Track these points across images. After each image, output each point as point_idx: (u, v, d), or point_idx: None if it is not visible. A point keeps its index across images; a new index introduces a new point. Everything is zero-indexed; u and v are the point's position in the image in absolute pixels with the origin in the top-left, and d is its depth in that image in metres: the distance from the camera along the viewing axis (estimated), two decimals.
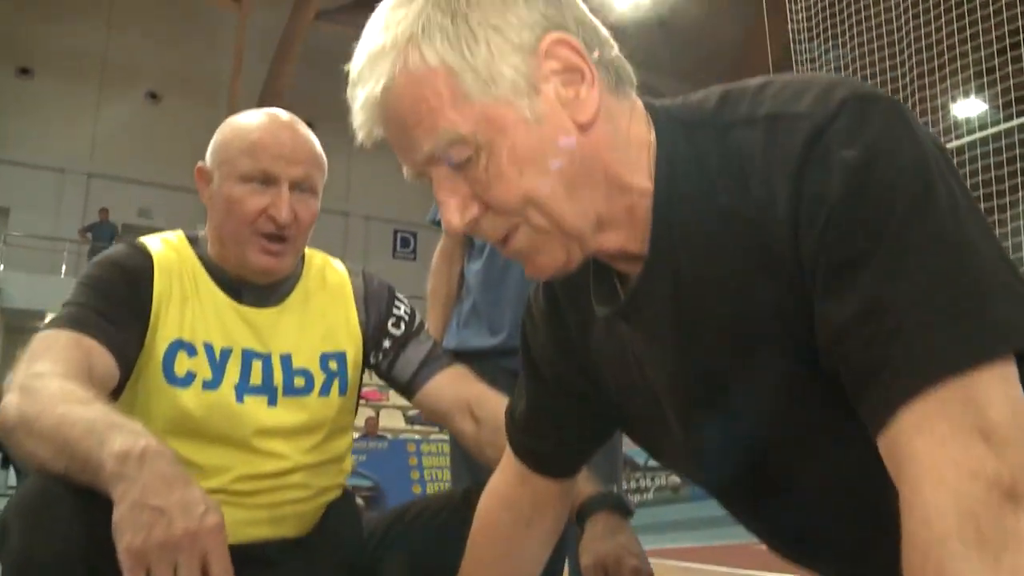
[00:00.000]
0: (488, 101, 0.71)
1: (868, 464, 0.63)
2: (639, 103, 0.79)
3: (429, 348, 1.48)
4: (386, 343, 1.46)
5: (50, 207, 17.37)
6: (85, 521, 0.93)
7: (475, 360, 1.71)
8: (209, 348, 1.32)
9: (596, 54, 0.75)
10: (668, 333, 0.79)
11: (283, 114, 1.38)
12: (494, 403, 1.37)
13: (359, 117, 0.75)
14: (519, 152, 0.71)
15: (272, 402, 1.34)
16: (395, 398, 12.88)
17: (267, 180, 1.30)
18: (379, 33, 0.73)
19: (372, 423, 11.45)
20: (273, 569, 1.27)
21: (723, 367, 0.77)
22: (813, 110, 0.67)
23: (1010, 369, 0.59)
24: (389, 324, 1.47)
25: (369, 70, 0.73)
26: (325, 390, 1.39)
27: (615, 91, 0.77)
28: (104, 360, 1.20)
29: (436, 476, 7.99)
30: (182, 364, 1.30)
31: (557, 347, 0.94)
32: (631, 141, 0.76)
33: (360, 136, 0.76)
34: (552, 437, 0.99)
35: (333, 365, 1.41)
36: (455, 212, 0.74)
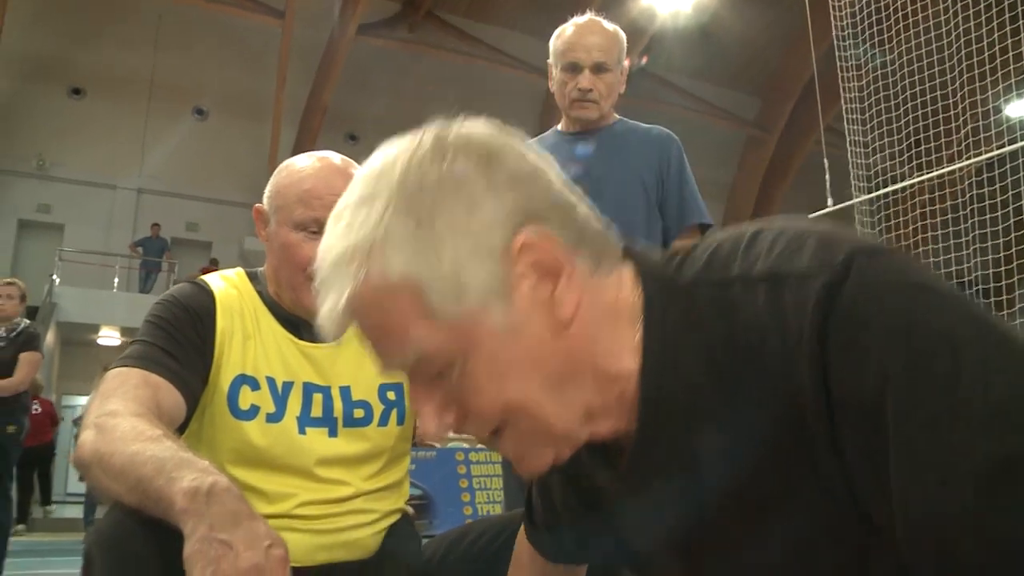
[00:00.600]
0: (458, 314, 0.66)
1: None
2: (626, 270, 0.75)
3: None
4: None
5: (101, 223, 17.79)
6: (159, 554, 0.97)
7: None
8: (271, 382, 1.36)
9: (572, 236, 0.70)
10: (666, 505, 0.75)
11: (335, 158, 1.41)
12: None
13: (325, 323, 0.70)
14: (495, 364, 0.67)
15: (333, 433, 1.38)
16: None
17: (320, 228, 1.33)
18: (342, 234, 0.69)
19: (420, 433, 11.50)
20: None
21: (731, 534, 0.72)
22: (819, 268, 0.62)
23: None
24: None
25: (332, 279, 0.69)
26: (384, 420, 1.42)
27: (596, 270, 0.72)
28: (172, 397, 1.25)
29: (485, 484, 8.02)
30: (246, 398, 1.34)
31: (568, 488, 0.92)
32: (620, 320, 0.72)
33: (329, 338, 0.71)
34: (559, 542, 0.99)
35: (391, 396, 1.44)
36: (431, 420, 0.71)
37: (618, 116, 2.33)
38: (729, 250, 0.69)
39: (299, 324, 1.41)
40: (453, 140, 0.70)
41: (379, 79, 17.47)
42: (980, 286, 8.70)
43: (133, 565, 1.01)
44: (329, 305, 0.69)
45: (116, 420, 1.12)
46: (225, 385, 1.33)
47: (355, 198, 0.70)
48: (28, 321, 5.09)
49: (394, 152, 0.71)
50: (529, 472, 0.75)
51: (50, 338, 13.94)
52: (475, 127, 0.73)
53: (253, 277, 1.46)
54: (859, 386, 0.58)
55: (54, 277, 15.52)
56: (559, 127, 2.34)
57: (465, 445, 8.78)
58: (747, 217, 22.47)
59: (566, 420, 0.70)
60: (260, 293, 1.43)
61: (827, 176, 8.34)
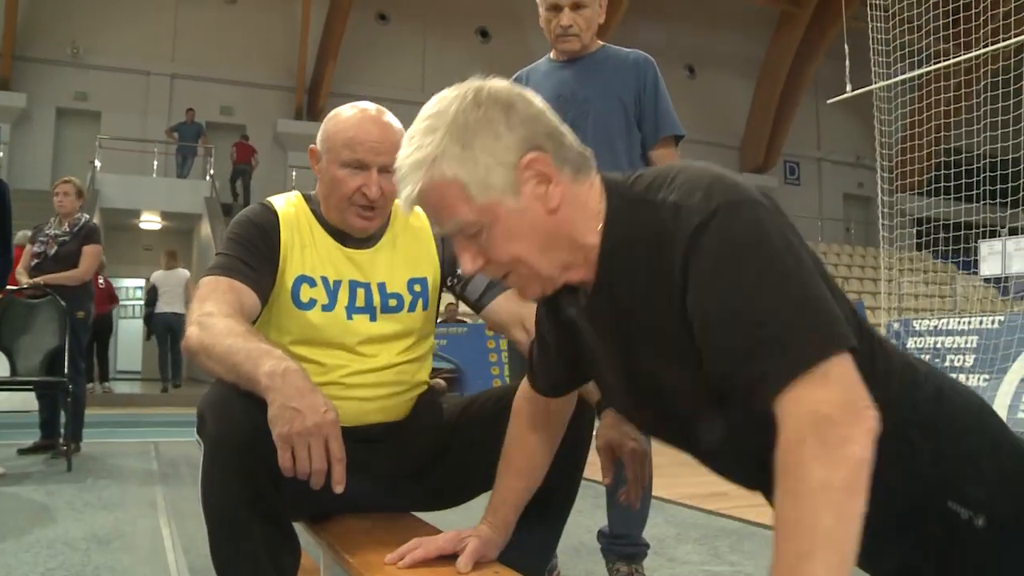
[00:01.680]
0: (486, 199, 1.07)
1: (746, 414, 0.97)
2: (597, 182, 1.15)
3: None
4: (459, 271, 1.87)
5: (137, 109, 18.07)
6: (252, 415, 1.38)
7: None
8: (325, 280, 1.75)
9: (560, 157, 1.10)
10: (608, 335, 1.17)
11: (372, 108, 1.76)
12: None
13: (403, 204, 1.11)
14: (508, 230, 1.09)
15: (373, 318, 1.77)
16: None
17: (361, 166, 1.70)
18: (415, 149, 1.09)
19: (452, 310, 11.88)
20: (378, 445, 1.73)
21: (646, 360, 1.12)
22: (701, 207, 1.00)
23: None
24: None
25: (410, 174, 1.09)
26: (412, 307, 1.81)
27: (575, 179, 1.12)
28: (251, 298, 1.64)
29: None
30: (305, 293, 1.73)
31: (555, 327, 1.32)
32: (588, 212, 1.12)
33: (404, 207, 1.13)
34: (551, 376, 1.41)
35: (418, 288, 1.83)
36: (469, 261, 1.13)
37: (601, 43, 2.64)
38: (660, 182, 1.08)
39: (345, 236, 1.78)
40: (486, 94, 1.09)
41: None
42: (989, 173, 8.83)
43: (234, 422, 1.42)
44: (407, 192, 1.09)
45: (213, 320, 1.52)
46: (289, 283, 1.72)
47: (423, 127, 1.10)
48: (87, 216, 5.48)
49: (448, 98, 1.10)
50: (526, 298, 1.20)
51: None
52: (500, 84, 1.12)
53: (308, 199, 1.82)
54: (697, 265, 0.99)
55: (95, 163, 15.90)
56: (551, 55, 2.68)
57: None
58: (777, 95, 21.70)
59: (550, 269, 1.12)
60: (314, 211, 1.79)
61: (847, 63, 8.41)
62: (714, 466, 1.23)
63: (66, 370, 5.02)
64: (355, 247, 1.79)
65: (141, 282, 16.93)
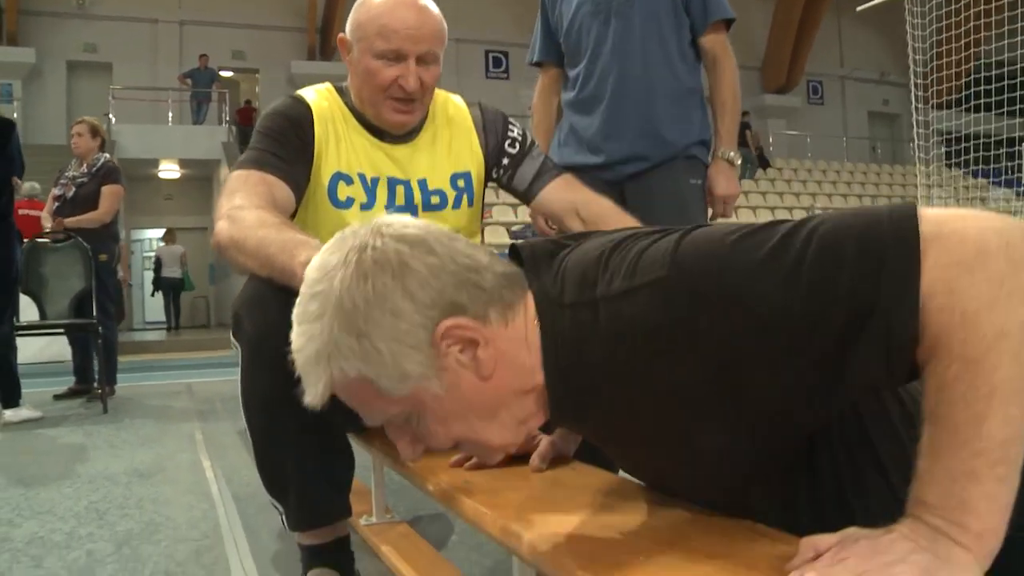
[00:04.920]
0: (405, 391, 0.87)
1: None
2: (529, 300, 0.94)
3: (541, 162, 1.78)
4: (504, 161, 1.75)
5: (147, 58, 17.88)
6: (287, 313, 1.25)
7: (575, 173, 1.96)
8: (363, 177, 1.62)
9: (483, 306, 0.89)
10: (607, 441, 1.03)
11: None
12: (595, 206, 1.73)
13: (314, 403, 0.90)
14: (440, 415, 0.90)
15: (415, 217, 1.65)
16: (499, 214, 13.26)
17: (398, 57, 1.56)
18: (306, 340, 0.89)
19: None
20: None
21: (668, 445, 0.95)
22: (654, 277, 0.83)
23: None
24: (506, 144, 1.76)
25: (310, 373, 0.89)
26: (457, 204, 1.69)
27: (505, 317, 0.91)
28: (283, 191, 1.52)
29: None
30: (343, 191, 1.61)
31: None
32: (527, 347, 0.92)
33: (316, 402, 0.91)
34: None
35: (461, 183, 1.70)
36: (408, 448, 0.95)
37: None
38: (591, 271, 0.89)
39: (381, 131, 1.65)
40: (370, 260, 0.87)
41: None
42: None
43: (269, 322, 1.30)
44: (314, 391, 0.89)
45: (244, 212, 1.39)
46: (325, 180, 1.60)
47: (311, 310, 0.89)
48: (107, 156, 5.37)
49: (331, 264, 0.89)
50: (490, 464, 1.08)
51: None
52: (388, 242, 0.89)
53: (341, 91, 1.69)
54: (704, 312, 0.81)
55: (110, 115, 15.79)
56: None
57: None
58: (799, 13, 21.09)
59: (503, 436, 0.94)
60: (347, 105, 1.66)
61: None
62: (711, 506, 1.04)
63: (94, 313, 4.97)
64: (393, 143, 1.66)
65: (162, 232, 17.07)
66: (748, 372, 0.79)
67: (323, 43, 18.87)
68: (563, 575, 0.86)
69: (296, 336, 0.91)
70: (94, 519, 2.40)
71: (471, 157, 1.73)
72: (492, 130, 1.77)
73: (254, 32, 18.61)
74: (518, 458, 1.25)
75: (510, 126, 1.79)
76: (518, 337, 0.92)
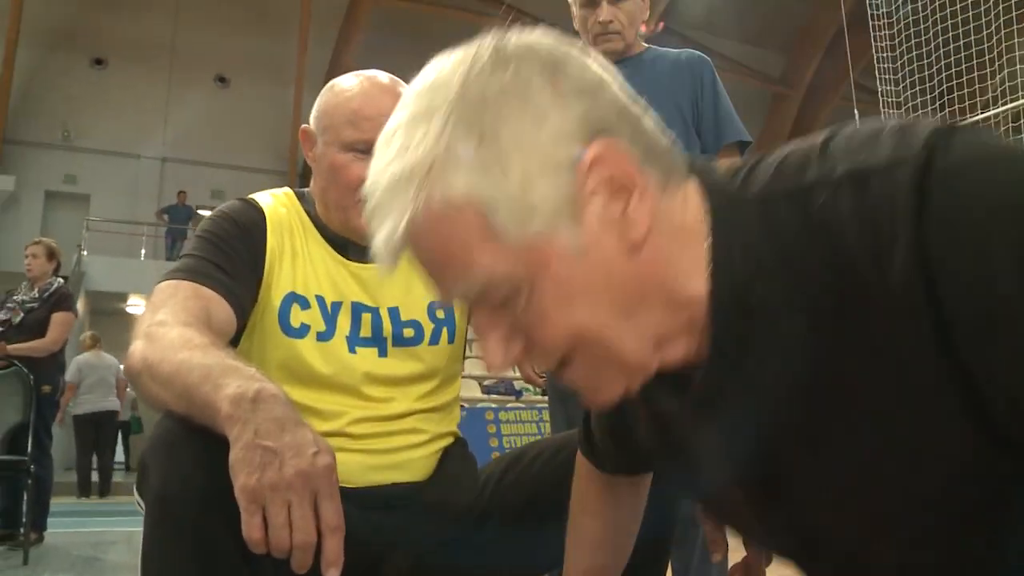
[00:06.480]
0: (525, 236, 0.61)
1: None
2: (691, 187, 0.68)
3: None
4: None
5: (127, 192, 17.91)
6: (208, 462, 0.93)
7: None
8: (321, 301, 1.34)
9: (642, 149, 0.65)
10: (738, 430, 0.69)
11: (383, 77, 1.37)
12: None
13: (380, 253, 0.65)
14: (564, 289, 0.62)
15: (383, 353, 1.36)
16: (470, 368, 12.96)
17: (369, 149, 1.30)
18: (396, 155, 0.63)
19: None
20: (393, 513, 1.28)
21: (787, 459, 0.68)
22: (902, 157, 0.56)
23: None
24: None
25: (388, 202, 0.63)
26: (435, 339, 1.40)
27: (666, 187, 0.66)
28: (222, 309, 1.23)
29: (515, 444, 8.04)
30: (296, 316, 1.32)
31: (640, 417, 0.87)
32: (688, 239, 0.66)
33: (382, 270, 0.67)
34: (621, 463, 0.98)
35: (440, 314, 1.42)
36: (498, 350, 0.66)
37: (646, 44, 2.31)
38: (801, 157, 0.63)
39: (347, 245, 1.38)
40: (514, 49, 0.64)
41: (400, 41, 17.36)
42: None
43: (183, 472, 0.97)
44: (385, 233, 0.63)
45: (165, 329, 1.10)
46: (276, 302, 1.31)
47: (408, 115, 0.64)
48: (61, 280, 5.11)
49: (449, 64, 0.65)
50: (600, 404, 0.71)
51: (80, 307, 14.07)
52: (535, 36, 0.66)
53: (301, 196, 1.44)
54: (969, 275, 0.53)
55: (82, 247, 15.63)
56: None
57: (494, 406, 8.80)
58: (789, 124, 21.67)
59: (639, 348, 0.65)
60: (308, 212, 1.40)
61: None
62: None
63: (29, 450, 4.56)
64: (360, 260, 1.38)
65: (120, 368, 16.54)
66: None
67: (303, 187, 18.98)
68: None
69: (379, 158, 0.66)
70: None
71: None
72: None
73: (234, 172, 18.72)
74: None
75: None
76: (676, 218, 0.66)
